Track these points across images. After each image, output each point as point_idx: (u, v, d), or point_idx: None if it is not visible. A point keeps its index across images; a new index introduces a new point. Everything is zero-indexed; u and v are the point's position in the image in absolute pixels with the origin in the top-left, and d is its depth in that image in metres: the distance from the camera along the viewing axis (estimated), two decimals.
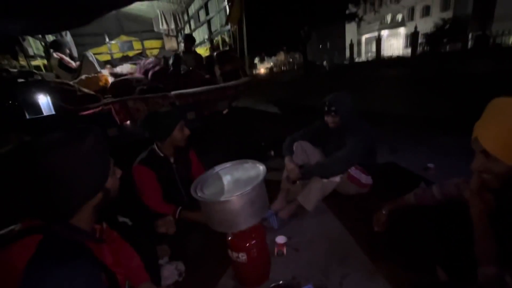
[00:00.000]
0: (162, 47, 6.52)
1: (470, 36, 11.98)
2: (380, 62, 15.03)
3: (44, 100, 2.11)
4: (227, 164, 1.42)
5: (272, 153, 3.12)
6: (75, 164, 0.67)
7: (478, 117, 0.81)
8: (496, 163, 0.74)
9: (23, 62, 3.30)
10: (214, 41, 4.47)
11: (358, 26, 26.91)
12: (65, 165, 0.66)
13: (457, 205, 1.19)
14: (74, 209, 0.71)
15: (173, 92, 2.80)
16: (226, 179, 1.29)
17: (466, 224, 1.07)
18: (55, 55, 3.74)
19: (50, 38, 4.54)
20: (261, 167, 1.29)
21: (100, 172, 0.75)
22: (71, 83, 2.86)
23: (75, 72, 3.90)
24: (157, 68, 3.60)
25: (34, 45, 4.05)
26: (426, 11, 22.91)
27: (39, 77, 2.51)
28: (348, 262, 1.45)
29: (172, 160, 1.69)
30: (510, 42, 10.58)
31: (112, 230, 1.03)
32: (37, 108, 2.09)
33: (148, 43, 6.53)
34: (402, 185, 1.85)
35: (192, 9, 5.70)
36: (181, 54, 4.13)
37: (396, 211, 1.46)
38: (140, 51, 6.20)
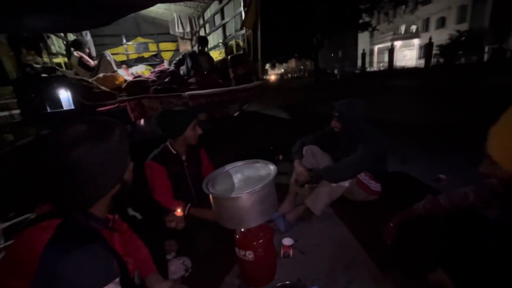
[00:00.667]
0: (177, 50, 6.67)
1: (486, 49, 11.76)
2: (393, 72, 14.89)
3: (64, 95, 2.21)
4: (239, 163, 1.45)
5: (281, 157, 3.14)
6: (102, 157, 0.70)
7: (488, 129, 0.81)
8: (498, 168, 0.75)
9: (46, 58, 3.44)
10: (228, 45, 4.56)
11: (371, 36, 26.87)
12: (92, 157, 0.69)
13: (465, 214, 1.19)
14: (96, 199, 0.75)
15: (187, 93, 2.87)
16: (237, 177, 1.32)
17: (473, 233, 1.07)
18: (75, 53, 3.89)
19: (71, 37, 4.73)
20: (272, 167, 1.31)
21: (122, 164, 0.78)
22: (89, 80, 2.97)
23: (93, 71, 4.04)
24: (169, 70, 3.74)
25: (56, 43, 4.21)
26: (442, 23, 22.67)
27: (61, 74, 2.62)
28: (354, 267, 1.44)
29: (183, 157, 1.73)
30: None
31: (123, 222, 1.07)
32: (57, 102, 2.18)
33: (163, 45, 6.68)
34: (411, 194, 1.83)
35: (208, 14, 5.83)
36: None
37: (405, 222, 1.45)
38: (155, 53, 6.36)
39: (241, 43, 4.06)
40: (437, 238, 1.33)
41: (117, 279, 0.68)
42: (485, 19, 17.48)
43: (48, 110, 2.20)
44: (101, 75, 3.51)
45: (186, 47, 6.36)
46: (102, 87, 3.00)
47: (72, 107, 2.29)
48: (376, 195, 1.93)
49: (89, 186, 0.70)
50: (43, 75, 2.30)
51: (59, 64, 3.88)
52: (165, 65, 5.15)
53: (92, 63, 4.05)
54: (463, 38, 12.79)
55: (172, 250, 1.61)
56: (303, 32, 14.75)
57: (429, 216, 1.32)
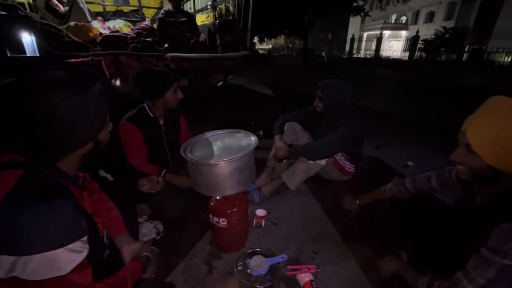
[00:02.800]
0: (160, 8, 6.14)
1: (466, 48, 12.20)
2: (378, 61, 15.08)
3: (28, 39, 1.95)
4: (220, 131, 1.41)
5: (261, 133, 3.13)
6: (76, 109, 0.64)
7: (460, 126, 0.84)
8: (475, 158, 0.77)
9: None
10: (218, 8, 4.26)
11: (362, 21, 26.67)
12: (65, 108, 0.62)
13: (426, 197, 1.29)
14: (64, 153, 0.69)
15: (169, 54, 2.68)
16: (217, 145, 1.29)
17: (432, 216, 1.16)
18: None
19: None
20: (253, 138, 1.29)
21: (98, 122, 0.72)
22: (58, 27, 2.66)
23: (63, 18, 3.63)
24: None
25: None
26: (430, 18, 23.00)
27: (23, 14, 2.31)
28: (321, 240, 1.53)
29: (161, 122, 1.65)
30: (502, 60, 10.90)
31: (93, 182, 1.01)
32: (19, 46, 1.93)
33: (145, 1, 6.09)
34: (381, 178, 1.93)
35: None
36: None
37: (370, 203, 1.53)
38: (136, 8, 5.79)
39: (231, 8, 3.82)
40: (398, 218, 1.44)
41: (85, 238, 0.65)
42: (470, 18, 17.97)
43: (8, 54, 1.95)
44: (72, 23, 3.16)
45: (170, 5, 5.86)
46: (74, 37, 2.71)
47: (37, 54, 2.04)
48: (349, 176, 2.01)
49: (57, 139, 0.64)
50: (2, 12, 2.00)
51: (21, 4, 3.41)
52: (147, 22, 4.74)
53: (62, 8, 3.63)
54: (448, 35, 13.11)
55: (145, 214, 1.60)
56: (295, 8, 14.25)
57: (393, 198, 1.40)
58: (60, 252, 0.58)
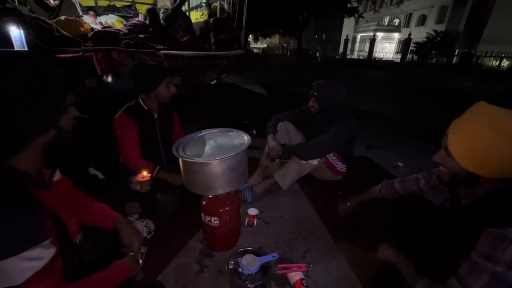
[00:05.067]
0: (154, 4, 6.05)
1: (456, 52, 12.43)
2: (371, 62, 15.25)
3: (16, 33, 1.90)
4: (213, 130, 1.41)
5: (254, 132, 3.14)
6: (21, 89, 0.59)
7: (447, 128, 0.85)
8: (452, 160, 0.80)
9: None
10: (212, 6, 4.23)
11: (356, 23, 26.90)
12: (6, 83, 0.57)
13: (415, 198, 1.32)
14: (16, 144, 0.62)
15: (162, 52, 2.65)
16: (210, 144, 1.28)
17: (420, 216, 1.19)
18: None
19: None
20: (246, 137, 1.29)
21: (50, 104, 0.66)
22: (48, 21, 2.59)
23: (53, 12, 3.53)
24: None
25: None
26: (422, 21, 23.37)
27: (11, 7, 2.24)
28: (312, 239, 1.54)
29: (156, 115, 1.64)
30: (490, 64, 11.16)
31: (68, 181, 0.92)
32: (7, 40, 1.88)
33: None
34: (371, 178, 1.97)
35: None
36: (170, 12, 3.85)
37: (360, 203, 1.55)
38: (129, 3, 5.70)
39: (225, 6, 3.80)
40: (386, 219, 1.47)
41: (46, 242, 0.60)
42: (461, 23, 18.36)
43: None
44: (62, 17, 3.09)
45: (165, 2, 5.79)
46: (64, 32, 2.65)
47: (26, 48, 1.99)
48: (340, 175, 2.03)
49: (4, 124, 0.58)
50: None
51: None
52: (140, 18, 4.67)
53: (52, 2, 3.54)
54: (439, 38, 13.34)
55: (135, 213, 1.58)
56: (290, 8, 14.28)
57: (382, 198, 1.43)
58: (10, 262, 0.53)
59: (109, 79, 2.54)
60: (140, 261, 0.94)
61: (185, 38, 3.43)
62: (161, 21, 3.71)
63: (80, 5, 4.33)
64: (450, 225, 0.97)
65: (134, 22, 3.74)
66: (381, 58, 17.74)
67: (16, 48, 1.94)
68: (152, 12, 3.62)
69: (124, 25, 3.96)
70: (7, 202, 0.56)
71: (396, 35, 25.06)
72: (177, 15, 3.78)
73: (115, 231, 0.97)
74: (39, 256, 0.58)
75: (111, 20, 4.63)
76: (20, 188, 0.62)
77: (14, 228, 0.54)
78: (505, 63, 10.68)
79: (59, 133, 0.69)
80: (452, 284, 0.78)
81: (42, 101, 0.63)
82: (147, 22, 3.80)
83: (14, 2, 3.34)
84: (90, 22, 3.83)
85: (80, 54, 2.26)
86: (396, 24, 26.47)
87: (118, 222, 0.96)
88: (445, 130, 0.85)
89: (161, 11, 4.03)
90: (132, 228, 0.98)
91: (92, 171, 1.77)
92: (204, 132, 1.40)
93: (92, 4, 5.08)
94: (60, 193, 0.83)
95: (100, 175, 1.73)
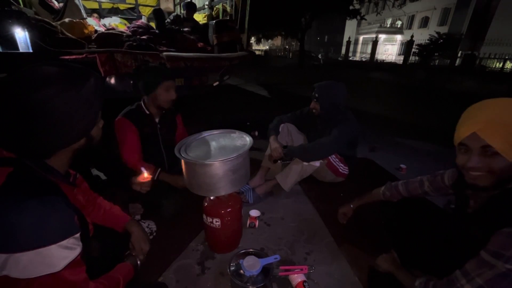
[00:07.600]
0: (157, 6, 6.09)
1: (459, 54, 12.40)
2: (374, 64, 15.24)
3: (21, 35, 1.92)
4: (215, 131, 1.41)
5: (257, 133, 3.14)
6: (70, 105, 0.63)
7: (452, 129, 0.81)
8: (499, 159, 0.72)
9: None
10: (215, 8, 4.25)
11: (359, 24, 26.94)
12: (59, 102, 0.61)
13: (418, 200, 1.31)
14: (55, 149, 0.68)
15: (164, 53, 2.67)
16: (212, 145, 1.29)
17: (424, 218, 1.18)
18: None
19: None
20: (248, 139, 1.29)
21: (90, 118, 0.71)
22: (52, 23, 2.62)
23: (57, 14, 3.57)
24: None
25: None
26: (425, 23, 23.35)
27: (16, 9, 2.27)
28: (314, 241, 1.54)
29: (157, 120, 1.64)
30: (493, 66, 11.12)
31: (84, 181, 0.99)
32: (12, 42, 1.90)
33: None
34: (374, 180, 1.96)
35: None
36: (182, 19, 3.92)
37: (362, 206, 1.54)
38: (132, 6, 5.74)
39: (228, 9, 3.82)
40: (389, 221, 1.46)
41: (78, 235, 0.65)
42: (464, 25, 18.31)
43: (0, 49, 1.91)
44: (67, 20, 3.11)
45: (168, 5, 5.83)
46: (68, 34, 2.67)
47: (30, 50, 2.01)
48: (343, 177, 2.03)
49: (49, 134, 0.63)
50: None
51: None
52: (143, 20, 4.70)
53: (57, 4, 3.58)
54: (441, 40, 13.32)
55: (137, 213, 1.58)
56: (293, 9, 14.31)
57: (386, 201, 1.42)
58: (52, 249, 0.57)
59: (112, 80, 2.56)
60: (139, 263, 0.97)
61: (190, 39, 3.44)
62: (168, 22, 3.73)
63: (84, 7, 4.36)
64: (455, 227, 0.96)
65: (137, 24, 3.76)
66: (384, 60, 17.75)
67: (20, 50, 1.97)
68: (159, 12, 3.64)
69: (128, 27, 3.99)
70: (47, 194, 0.61)
71: (398, 37, 25.04)
72: (187, 20, 3.83)
73: (125, 232, 1.03)
74: (74, 246, 0.63)
75: (115, 22, 4.66)
76: (54, 183, 0.67)
77: (57, 217, 0.60)
78: (508, 65, 10.65)
79: (88, 141, 0.74)
80: (456, 276, 0.78)
81: (87, 117, 0.70)
82: (152, 23, 3.83)
83: (19, 4, 3.38)
84: (94, 24, 3.86)
85: (84, 56, 2.28)
86: (399, 26, 26.48)
87: (129, 224, 1.03)
88: (448, 132, 0.82)
89: (171, 16, 4.07)
90: (143, 231, 1.04)
91: (95, 172, 1.78)
92: (206, 133, 1.40)
93: (96, 6, 5.13)
94: (80, 193, 0.89)
95: (102, 176, 1.74)
